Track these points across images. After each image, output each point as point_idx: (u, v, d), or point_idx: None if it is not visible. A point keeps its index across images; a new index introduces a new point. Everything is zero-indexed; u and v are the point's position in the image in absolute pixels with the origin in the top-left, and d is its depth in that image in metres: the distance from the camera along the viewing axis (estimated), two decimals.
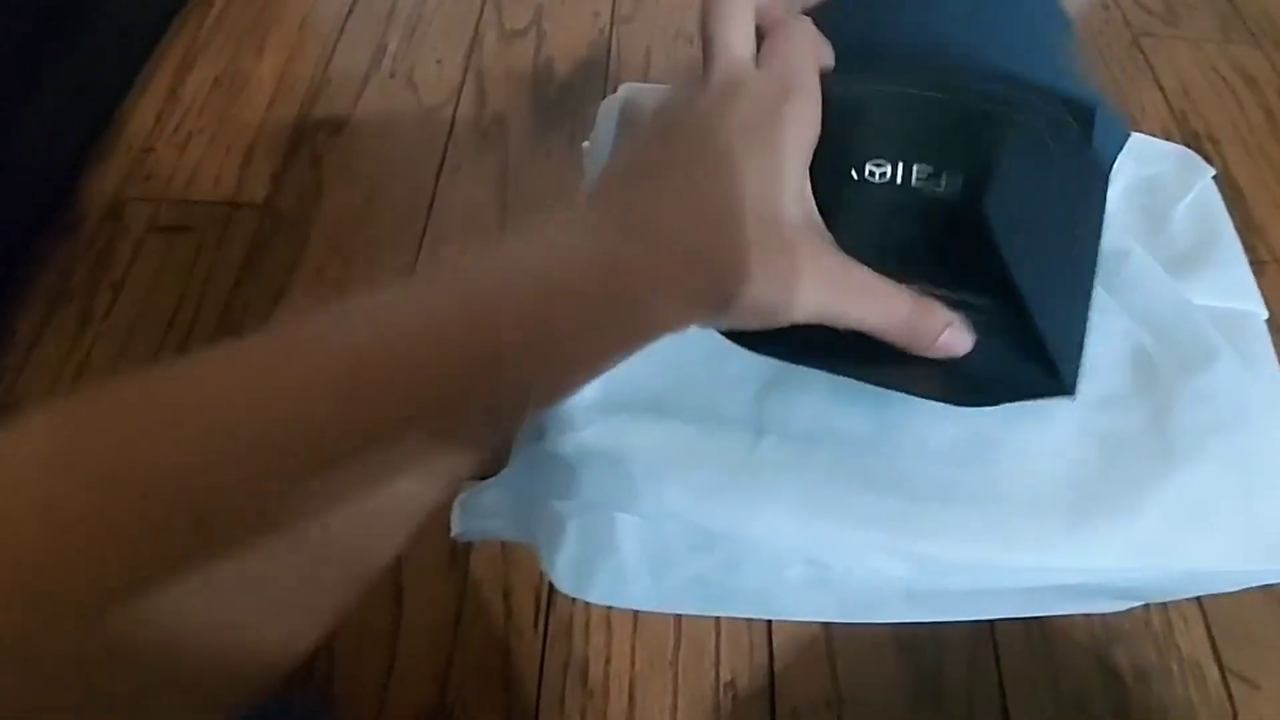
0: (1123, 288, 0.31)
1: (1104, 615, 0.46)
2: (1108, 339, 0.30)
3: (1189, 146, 0.72)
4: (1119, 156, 0.37)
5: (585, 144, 0.44)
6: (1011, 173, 0.25)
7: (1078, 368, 0.26)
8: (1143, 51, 0.78)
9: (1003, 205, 0.24)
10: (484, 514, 0.34)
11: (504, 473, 0.32)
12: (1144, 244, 0.34)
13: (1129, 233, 0.35)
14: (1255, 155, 0.70)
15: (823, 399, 0.30)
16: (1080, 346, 0.27)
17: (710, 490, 0.28)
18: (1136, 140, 0.38)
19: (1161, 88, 0.74)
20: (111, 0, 0.69)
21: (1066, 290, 0.27)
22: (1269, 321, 0.33)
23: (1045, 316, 0.25)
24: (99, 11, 0.68)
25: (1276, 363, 0.31)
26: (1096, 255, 0.28)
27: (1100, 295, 0.31)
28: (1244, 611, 0.47)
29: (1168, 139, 0.72)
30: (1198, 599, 0.47)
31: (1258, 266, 0.63)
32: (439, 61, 0.73)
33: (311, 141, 0.68)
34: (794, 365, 0.27)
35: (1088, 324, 0.27)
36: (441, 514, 0.47)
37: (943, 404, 0.29)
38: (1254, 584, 0.29)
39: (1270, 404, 0.28)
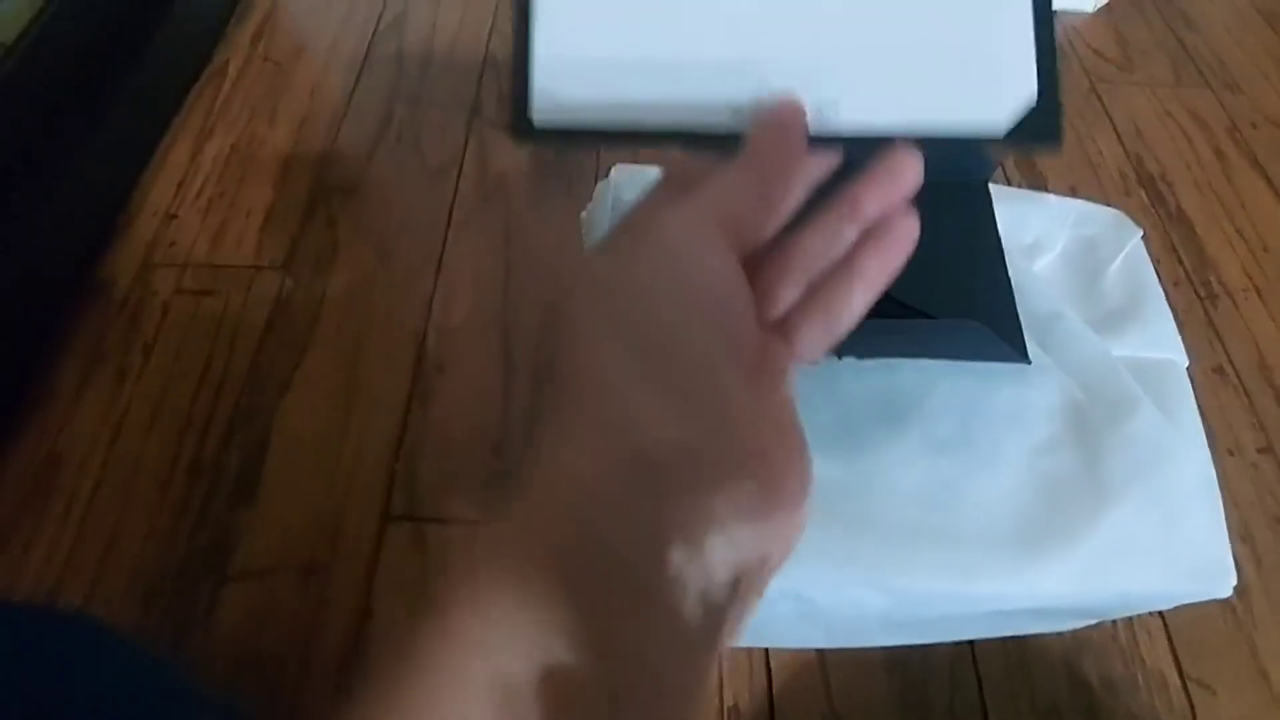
0: (1057, 346, 0.35)
1: (1074, 631, 0.50)
2: (1046, 392, 0.35)
3: (1144, 187, 0.78)
4: (1060, 222, 0.42)
5: (583, 214, 0.49)
6: None
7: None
8: (1099, 97, 0.83)
9: None
10: None
11: None
12: (1080, 301, 0.39)
13: (1067, 291, 0.39)
14: (1207, 193, 0.76)
15: None
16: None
17: None
18: (1073, 204, 0.43)
19: (1118, 132, 0.80)
20: (133, 74, 0.74)
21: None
22: (1189, 368, 0.37)
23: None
24: (122, 84, 0.72)
25: (1195, 405, 0.36)
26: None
27: (1038, 353, 0.35)
28: (1202, 624, 0.51)
29: (1124, 181, 0.78)
30: (1160, 614, 0.51)
31: (1211, 299, 0.68)
32: (443, 126, 0.78)
33: (326, 204, 0.72)
34: None
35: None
36: None
37: (912, 455, 0.34)
38: (1183, 602, 0.34)
39: (1183, 448, 0.33)
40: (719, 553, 0.15)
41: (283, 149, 0.77)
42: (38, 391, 0.60)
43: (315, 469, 0.57)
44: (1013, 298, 0.35)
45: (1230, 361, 0.64)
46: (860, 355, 0.35)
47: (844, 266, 0.19)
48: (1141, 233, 0.41)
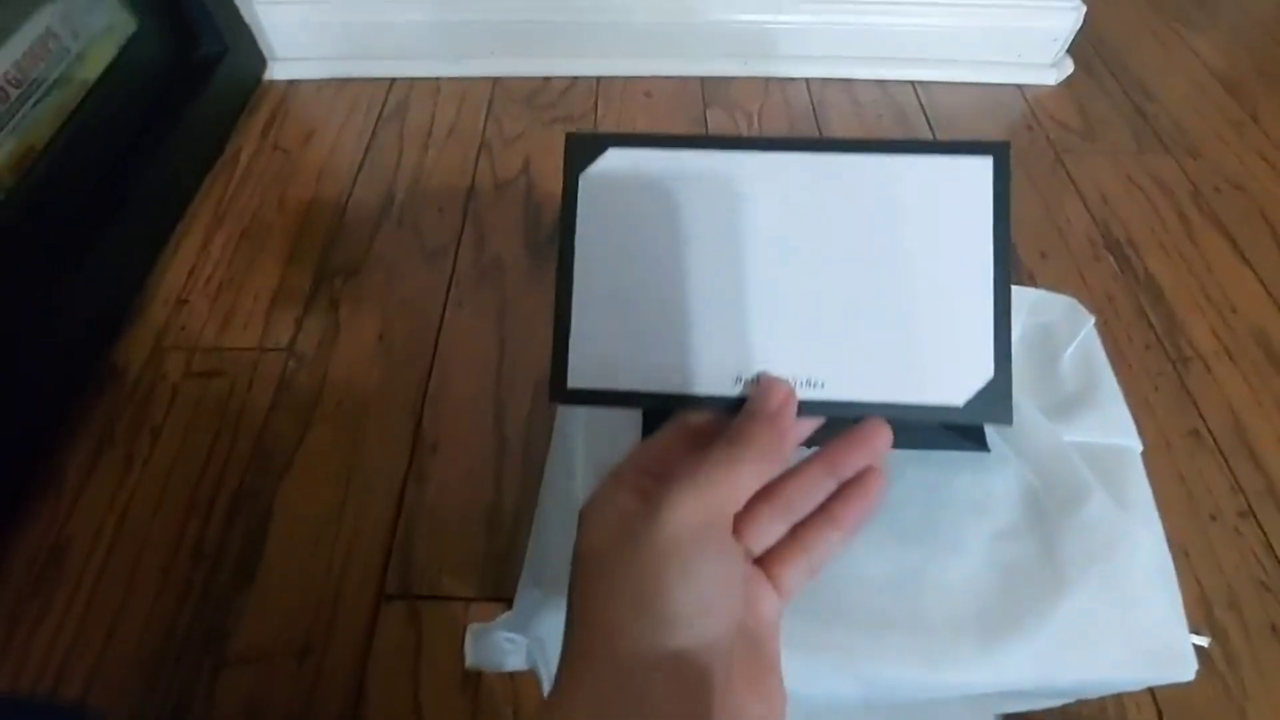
0: (1014, 434, 0.37)
1: (1063, 705, 0.50)
2: (1005, 479, 0.36)
3: (1112, 252, 0.81)
4: (1016, 311, 0.44)
5: None
6: None
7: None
8: (1065, 167, 0.87)
9: None
10: (494, 649, 0.39)
11: (510, 615, 0.38)
12: (1036, 387, 0.41)
13: (1024, 378, 0.41)
14: (1173, 257, 0.78)
15: None
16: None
17: None
18: (1028, 293, 0.45)
19: (1084, 199, 0.83)
20: (153, 167, 0.79)
21: None
22: (1140, 445, 0.39)
23: None
24: (142, 177, 0.77)
25: (1149, 490, 0.37)
26: None
27: (997, 442, 0.37)
28: (1191, 693, 0.52)
29: (1092, 246, 0.81)
30: None
31: (1183, 363, 0.70)
32: (440, 209, 0.82)
33: (329, 286, 0.76)
34: None
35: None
36: (458, 641, 0.52)
37: (879, 544, 0.35)
38: (1144, 686, 0.35)
39: (1135, 536, 0.34)
40: None
41: (290, 233, 0.81)
42: (48, 475, 0.62)
43: (314, 549, 0.58)
44: None
45: (1206, 425, 0.66)
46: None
47: (824, 515, 0.24)
48: (1093, 319, 0.43)
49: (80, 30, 0.74)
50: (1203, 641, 0.55)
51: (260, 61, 0.99)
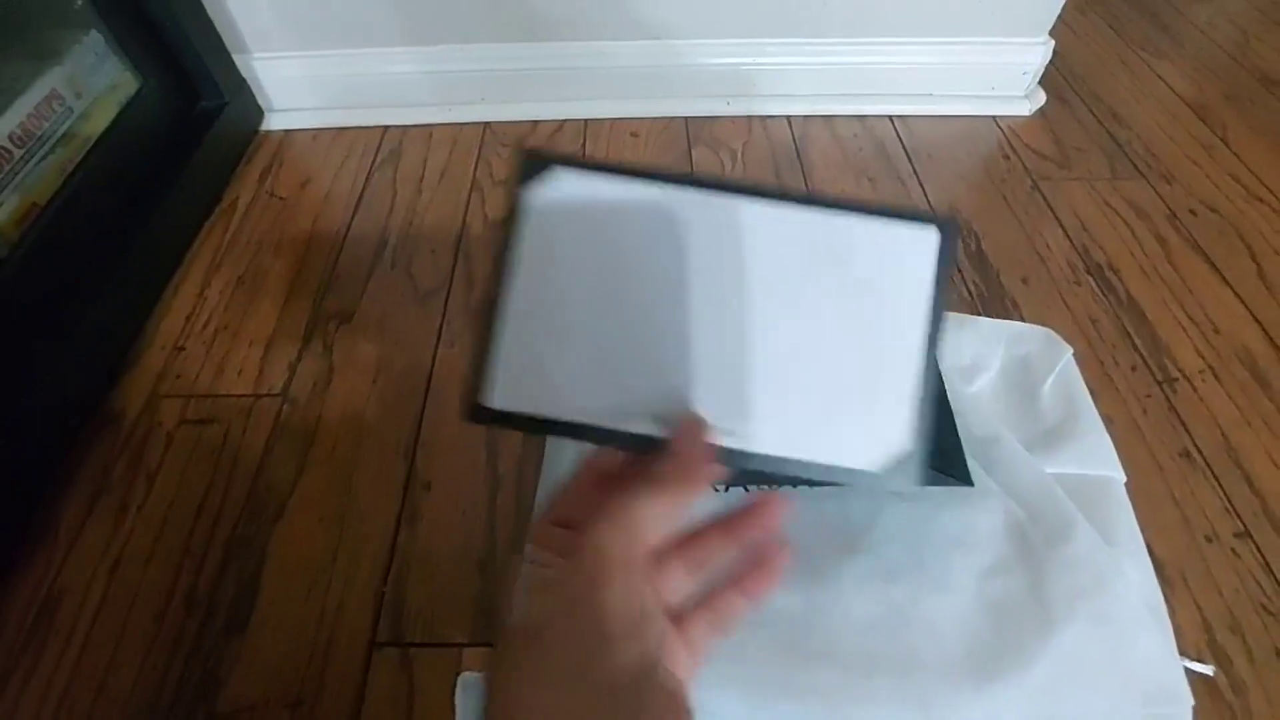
0: (997, 468, 0.38)
1: None
2: (990, 514, 0.37)
3: (1093, 277, 0.82)
4: (994, 343, 0.45)
5: None
6: None
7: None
8: (1042, 194, 0.89)
9: None
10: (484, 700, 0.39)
11: None
12: (1017, 420, 0.41)
13: (1006, 410, 0.42)
14: (1154, 279, 0.80)
15: None
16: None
17: None
18: (1005, 326, 0.46)
19: (1062, 225, 0.85)
20: (152, 218, 0.80)
21: None
22: (1126, 485, 0.39)
23: None
24: (142, 228, 0.79)
25: (1134, 522, 0.38)
26: None
27: (981, 475, 0.38)
28: None
29: (1073, 271, 0.83)
30: None
31: (1170, 384, 0.71)
32: (433, 251, 0.84)
33: (323, 331, 0.77)
34: None
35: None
36: (451, 688, 0.51)
37: (865, 582, 0.36)
38: None
39: (1122, 570, 0.35)
40: None
41: (285, 279, 0.82)
42: (43, 522, 0.62)
43: (306, 597, 0.58)
44: (954, 423, 0.38)
45: (1196, 445, 0.66)
46: (813, 484, 0.37)
47: (733, 583, 0.25)
48: (1071, 351, 0.44)
49: (84, 90, 0.76)
50: (1207, 670, 0.54)
51: (257, 112, 1.02)
